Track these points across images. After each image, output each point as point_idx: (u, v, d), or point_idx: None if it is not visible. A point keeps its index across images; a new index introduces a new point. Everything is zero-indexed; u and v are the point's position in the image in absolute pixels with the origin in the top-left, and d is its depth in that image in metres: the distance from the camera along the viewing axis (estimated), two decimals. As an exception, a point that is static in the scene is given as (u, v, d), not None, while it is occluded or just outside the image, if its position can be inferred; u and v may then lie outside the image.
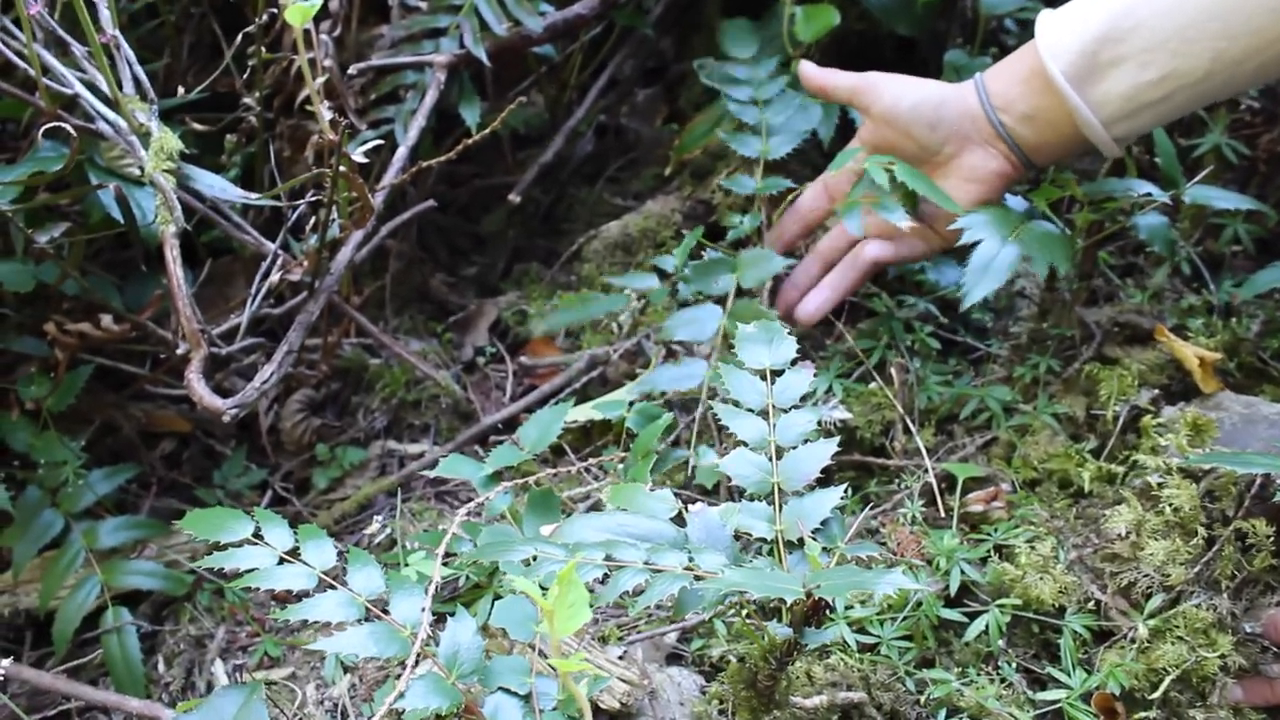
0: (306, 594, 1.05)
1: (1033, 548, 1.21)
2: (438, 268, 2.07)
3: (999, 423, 1.44)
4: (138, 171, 1.40)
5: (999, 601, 1.19)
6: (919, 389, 1.48)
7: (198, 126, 1.53)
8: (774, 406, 1.04)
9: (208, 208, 1.51)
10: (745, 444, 1.02)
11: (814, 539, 0.93)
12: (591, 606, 0.81)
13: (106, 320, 1.51)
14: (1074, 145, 1.32)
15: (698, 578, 0.86)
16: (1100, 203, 1.39)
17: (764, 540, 0.95)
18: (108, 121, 1.39)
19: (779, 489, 0.98)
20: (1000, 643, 1.17)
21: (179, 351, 1.40)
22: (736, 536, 0.94)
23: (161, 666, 1.50)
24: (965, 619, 1.19)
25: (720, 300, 1.44)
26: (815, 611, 0.89)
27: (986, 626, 1.17)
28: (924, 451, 1.40)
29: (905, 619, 1.19)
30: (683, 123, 1.92)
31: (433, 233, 2.09)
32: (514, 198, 1.82)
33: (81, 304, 1.57)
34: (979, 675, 1.16)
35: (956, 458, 1.43)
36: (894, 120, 1.40)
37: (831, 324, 1.61)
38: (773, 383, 1.06)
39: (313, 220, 1.38)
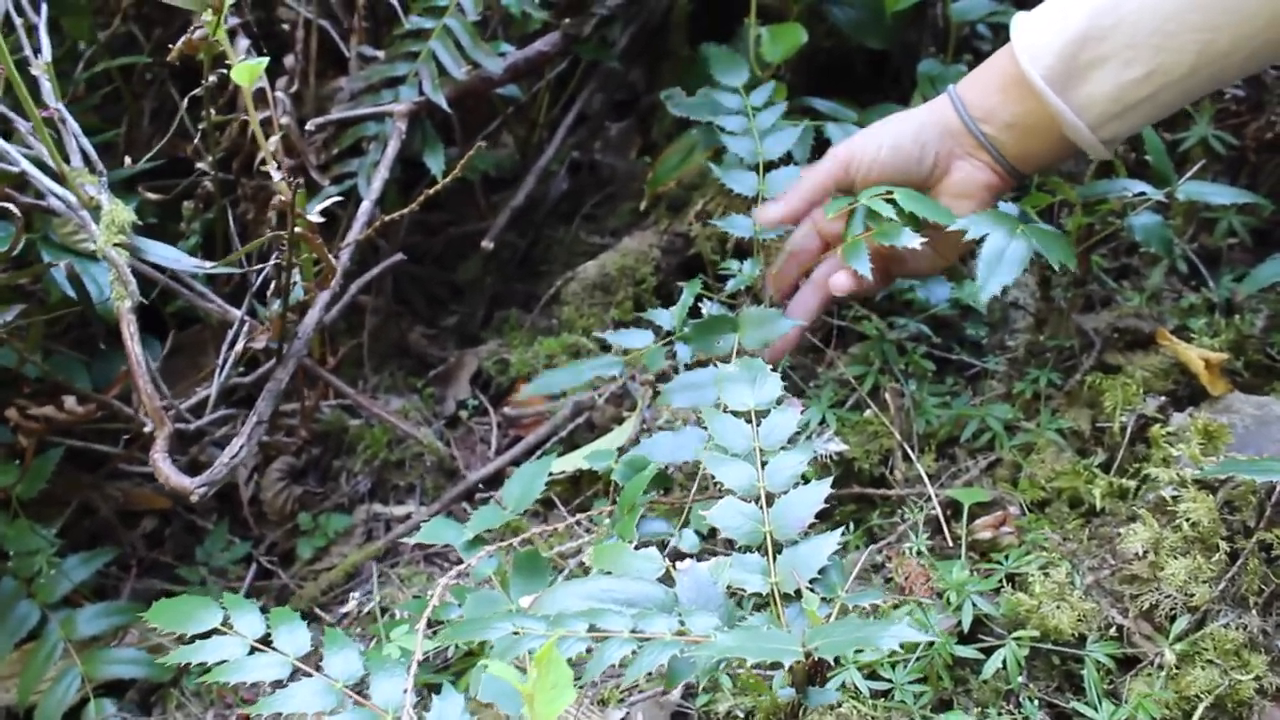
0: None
1: (1046, 574, 1.15)
2: (416, 320, 2.02)
3: (1002, 443, 1.38)
4: (92, 246, 1.35)
5: (1015, 634, 1.12)
6: (916, 413, 1.43)
7: (151, 196, 1.48)
8: (761, 449, 0.98)
9: (168, 278, 1.46)
10: (733, 492, 0.96)
11: (812, 590, 0.87)
12: (577, 684, 0.75)
13: (70, 402, 1.45)
14: (1060, 150, 1.27)
15: (690, 643, 0.80)
16: (1093, 205, 1.34)
17: (759, 595, 0.89)
18: (57, 197, 1.34)
19: (771, 538, 0.92)
20: (1020, 678, 1.10)
21: (147, 429, 1.34)
22: (730, 592, 0.88)
23: (149, 760, 1.44)
24: (981, 655, 1.12)
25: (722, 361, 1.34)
26: (817, 670, 0.83)
27: (1004, 662, 1.11)
28: (926, 478, 1.34)
29: (919, 659, 1.13)
30: (656, 155, 1.87)
31: (408, 284, 2.04)
32: (487, 244, 1.77)
33: (46, 386, 1.52)
34: (1000, 714, 1.09)
35: (960, 482, 1.37)
36: (884, 173, 1.33)
37: (821, 351, 1.56)
38: (758, 424, 1.01)
39: (274, 284, 1.32)
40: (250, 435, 1.29)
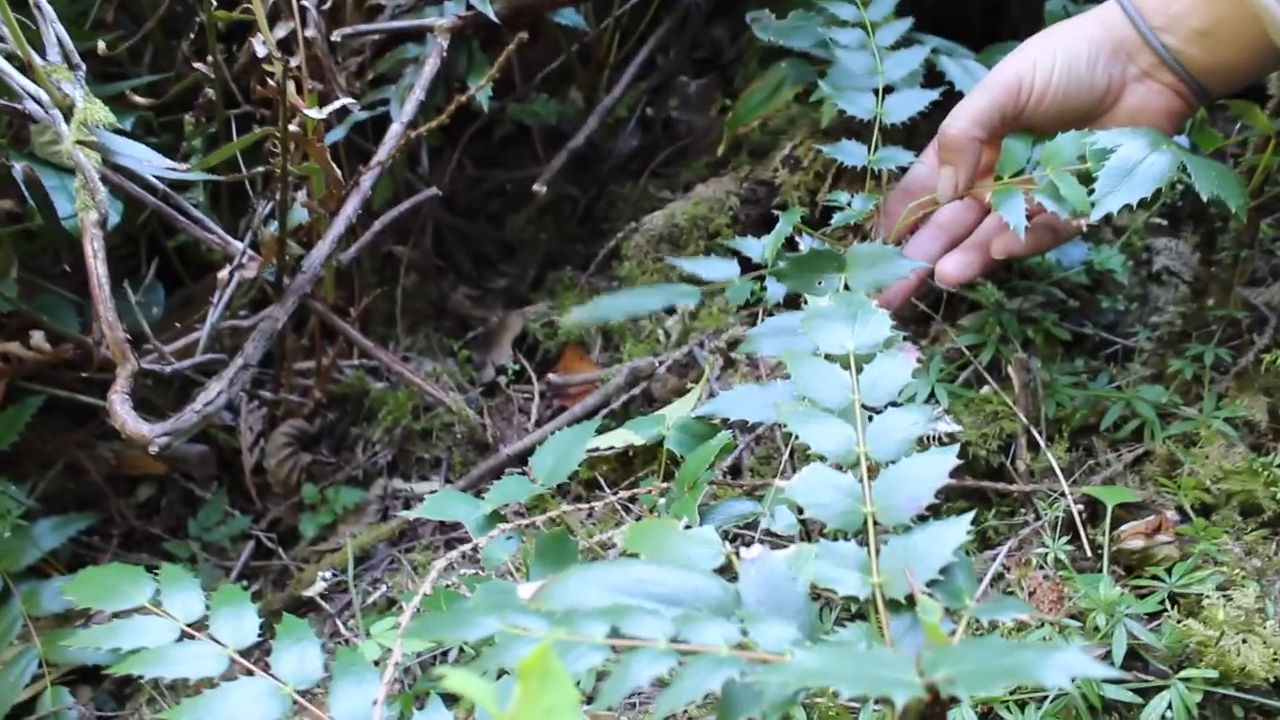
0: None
1: (1228, 597, 0.88)
2: (460, 280, 1.79)
3: (1154, 432, 1.11)
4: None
5: (1183, 673, 0.86)
6: (1045, 393, 1.16)
7: (139, 100, 1.27)
8: (862, 405, 0.73)
9: (159, 200, 1.24)
10: (823, 458, 0.70)
11: (931, 596, 0.62)
12: (589, 710, 0.51)
13: (38, 338, 1.24)
14: (1262, 63, 1.01)
15: (755, 661, 0.55)
16: (1290, 136, 1.06)
17: (854, 600, 0.63)
18: (28, 95, 1.14)
19: (874, 522, 0.66)
20: (1194, 734, 0.84)
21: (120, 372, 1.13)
22: (814, 595, 0.63)
23: (107, 761, 1.22)
24: (1138, 698, 0.86)
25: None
26: (936, 709, 0.58)
27: (1170, 708, 0.84)
28: (1058, 471, 1.08)
29: (1055, 700, 0.86)
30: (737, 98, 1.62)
31: (454, 241, 1.82)
32: (539, 188, 1.54)
33: (19, 323, 1.32)
34: (1162, 778, 0.83)
35: (1100, 479, 1.10)
36: (1055, 102, 1.06)
37: (928, 319, 1.30)
38: (859, 372, 0.75)
39: (266, 200, 1.10)
40: (233, 380, 1.07)
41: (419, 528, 1.35)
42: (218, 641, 0.76)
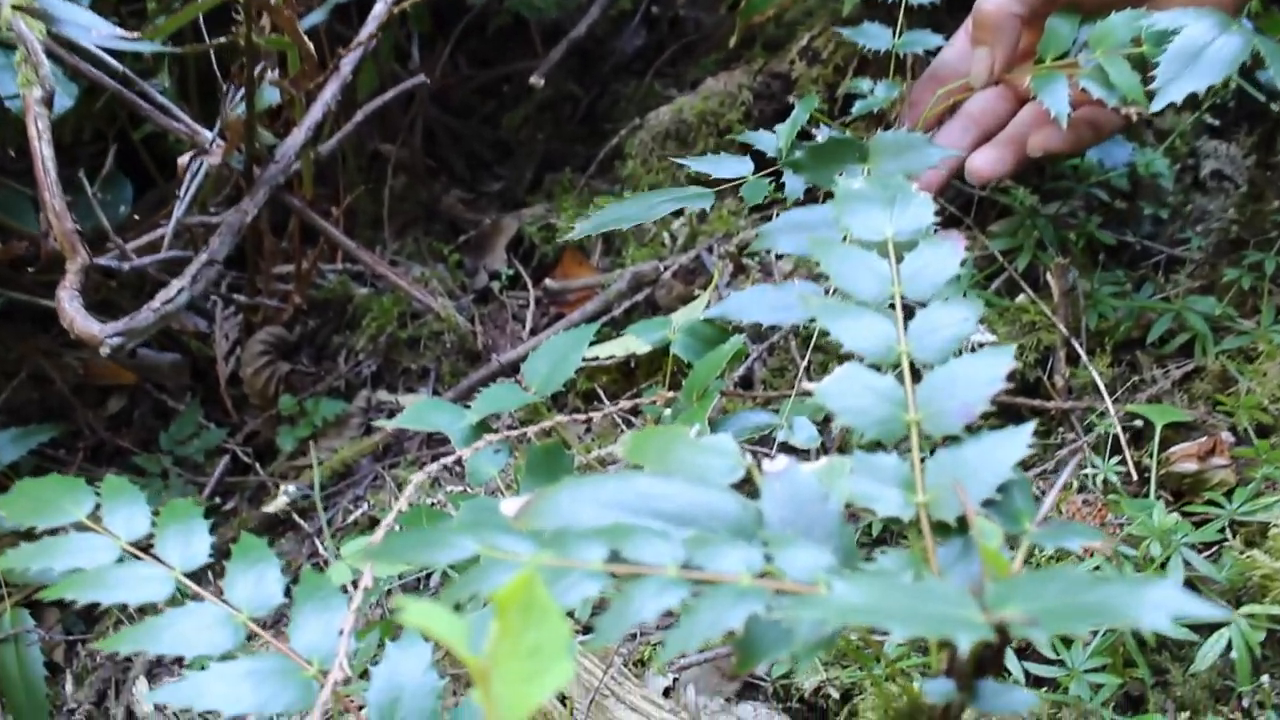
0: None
1: (1298, 526, 0.79)
2: (453, 181, 1.68)
3: (1205, 347, 1.01)
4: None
5: (1245, 610, 0.77)
6: (1086, 303, 1.06)
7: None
8: (904, 297, 0.63)
9: (119, 83, 1.13)
10: (858, 358, 0.61)
11: (988, 517, 0.52)
12: (584, 646, 0.42)
13: (-14, 233, 1.14)
14: None
15: (782, 593, 0.46)
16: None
17: (896, 521, 0.54)
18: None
19: (918, 431, 0.57)
20: (1261, 677, 0.75)
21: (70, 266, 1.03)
22: (849, 515, 0.54)
23: (69, 687, 1.14)
24: (1194, 636, 0.77)
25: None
26: (994, 649, 0.49)
27: (1229, 647, 0.76)
28: (1101, 388, 0.98)
29: (1103, 637, 0.78)
30: None
31: (447, 140, 1.71)
32: (536, 80, 1.42)
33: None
34: (1219, 723, 0.75)
35: (1145, 396, 1.01)
36: None
37: (957, 220, 1.20)
38: (899, 261, 0.65)
39: (242, 91, 0.99)
40: (195, 277, 0.97)
41: (405, 441, 1.26)
42: (163, 563, 0.67)
